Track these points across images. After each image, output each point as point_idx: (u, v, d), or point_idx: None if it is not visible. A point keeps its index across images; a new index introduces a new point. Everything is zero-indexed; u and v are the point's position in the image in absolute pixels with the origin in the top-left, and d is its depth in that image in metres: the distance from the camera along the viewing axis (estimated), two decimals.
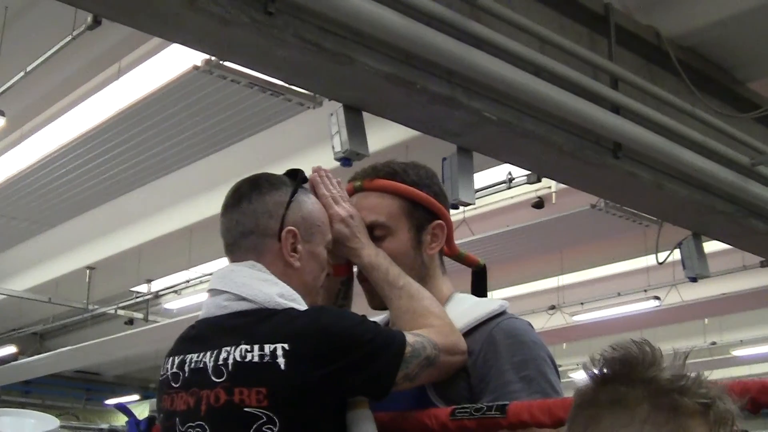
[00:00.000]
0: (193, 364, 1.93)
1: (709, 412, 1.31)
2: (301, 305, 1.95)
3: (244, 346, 1.84)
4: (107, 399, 18.41)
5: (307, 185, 2.13)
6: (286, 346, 1.81)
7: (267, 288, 1.94)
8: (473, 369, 2.02)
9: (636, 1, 5.09)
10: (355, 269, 2.21)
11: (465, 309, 2.14)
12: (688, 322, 13.39)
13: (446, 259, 2.30)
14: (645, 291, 10.79)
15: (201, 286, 11.51)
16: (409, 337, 1.93)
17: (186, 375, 1.94)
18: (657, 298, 10.72)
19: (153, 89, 5.52)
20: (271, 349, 1.82)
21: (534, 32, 4.11)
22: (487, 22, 3.89)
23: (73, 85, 6.22)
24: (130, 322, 13.01)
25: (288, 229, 2.00)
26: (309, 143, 6.86)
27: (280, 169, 6.69)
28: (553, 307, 11.93)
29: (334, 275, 2.18)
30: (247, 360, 1.83)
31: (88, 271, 10.93)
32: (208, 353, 1.90)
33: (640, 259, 9.71)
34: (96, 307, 12.47)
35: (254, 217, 2.01)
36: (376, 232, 2.16)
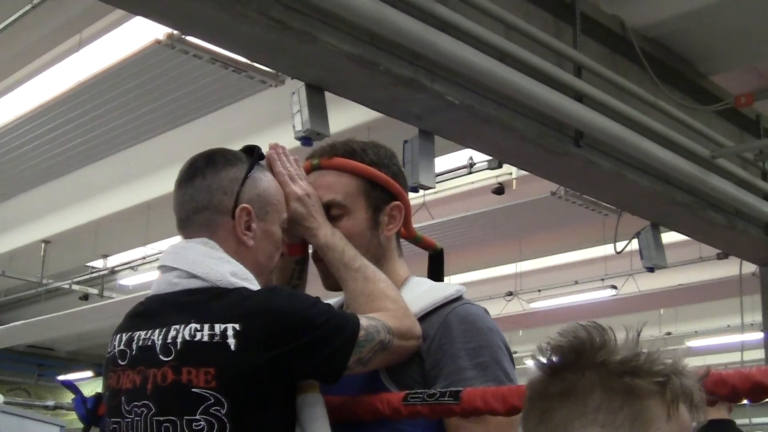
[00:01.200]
0: (141, 342, 1.89)
1: (666, 390, 1.27)
2: (254, 285, 1.91)
3: (193, 325, 1.81)
4: (60, 375, 18.20)
5: (263, 162, 2.09)
6: (237, 326, 1.78)
7: (219, 266, 1.90)
8: (427, 354, 1.99)
9: None
10: (310, 249, 2.17)
11: (421, 293, 2.11)
12: (644, 312, 13.49)
13: (403, 243, 2.27)
14: (602, 280, 10.85)
15: (157, 263, 11.41)
16: (363, 321, 1.90)
17: (133, 352, 1.90)
18: (614, 287, 10.80)
19: (114, 62, 5.45)
20: (222, 329, 1.78)
21: (499, 17, 4.09)
22: (453, 6, 3.87)
23: (32, 55, 6.12)
24: (85, 297, 12.89)
25: (242, 207, 1.96)
26: (270, 121, 6.81)
27: (241, 145, 6.63)
28: (510, 294, 11.96)
29: (289, 254, 2.15)
30: (196, 339, 1.79)
31: (43, 245, 10.81)
32: (157, 331, 1.86)
33: (599, 248, 9.77)
34: (50, 281, 12.35)
35: (208, 193, 1.96)
36: (333, 212, 2.12)
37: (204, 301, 1.86)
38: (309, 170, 2.18)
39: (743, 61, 5.98)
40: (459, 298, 2.08)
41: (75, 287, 12.81)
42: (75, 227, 9.90)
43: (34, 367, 18.41)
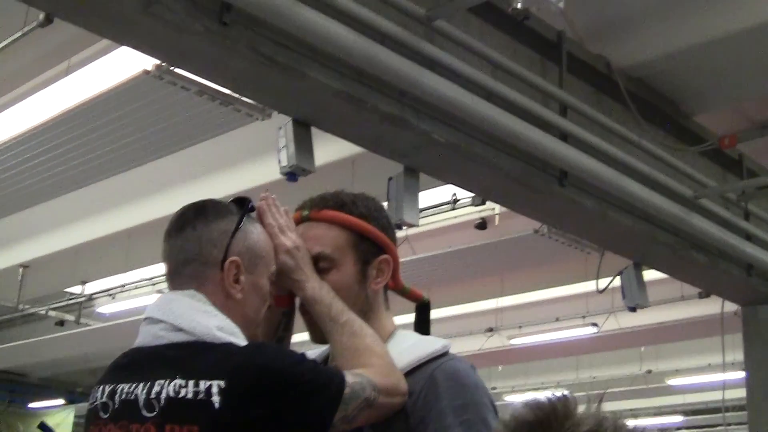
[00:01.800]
0: (124, 395, 1.86)
1: None
2: (241, 339, 1.90)
3: (178, 381, 1.79)
4: (31, 402, 18.06)
5: (254, 214, 2.09)
6: (221, 383, 1.76)
7: (206, 320, 1.89)
8: (413, 410, 1.98)
9: (588, 30, 5.12)
10: (297, 301, 2.16)
11: (407, 347, 2.10)
12: (625, 349, 13.49)
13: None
14: (583, 317, 10.83)
15: (136, 291, 11.35)
16: (349, 377, 1.89)
17: (116, 406, 1.87)
18: (595, 324, 10.77)
19: (101, 91, 5.43)
20: (206, 386, 1.76)
21: (487, 56, 4.12)
22: (440, 44, 3.89)
23: (20, 80, 6.09)
24: (61, 323, 12.79)
25: (231, 260, 1.95)
26: (256, 153, 6.80)
27: (225, 177, 6.62)
28: (491, 329, 11.93)
29: (276, 306, 2.13)
30: (180, 396, 1.77)
31: (21, 269, 10.72)
32: (141, 385, 1.84)
33: (580, 285, 9.76)
34: (27, 306, 12.24)
35: (198, 245, 1.95)
36: (321, 264, 2.12)
37: (189, 356, 1.84)
38: (299, 221, 2.18)
39: (727, 102, 6.02)
40: (445, 354, 2.07)
41: (51, 314, 12.70)
42: (54, 252, 9.81)
43: (4, 393, 18.20)
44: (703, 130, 5.97)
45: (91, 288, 12.12)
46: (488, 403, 2.01)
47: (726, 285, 6.44)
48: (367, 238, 2.14)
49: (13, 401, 18.23)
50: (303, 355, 1.92)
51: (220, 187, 7.38)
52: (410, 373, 2.02)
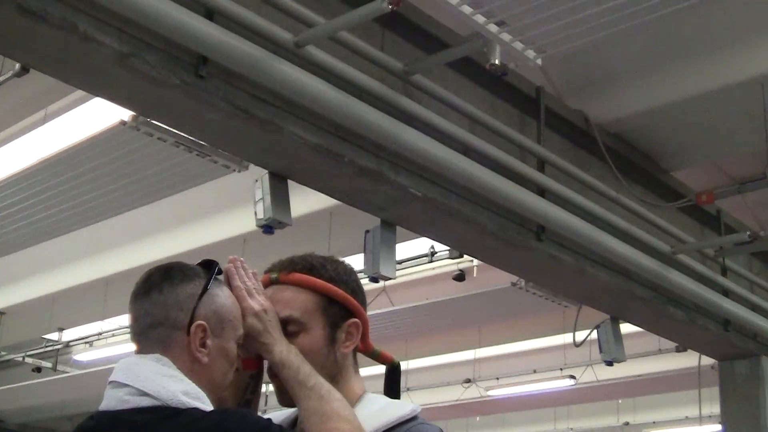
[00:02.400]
0: None
1: None
2: (207, 404, 1.88)
3: None
4: None
5: (221, 276, 2.07)
6: None
7: (171, 384, 1.86)
8: None
9: (567, 86, 5.17)
10: (265, 363, 2.14)
11: (375, 411, 2.07)
12: (602, 402, 13.46)
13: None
14: (561, 369, 10.82)
15: (113, 339, 11.30)
16: None
17: None
18: (572, 377, 10.76)
19: (77, 141, 5.41)
20: None
21: (465, 111, 4.13)
22: (418, 99, 3.90)
23: None
24: (38, 369, 12.70)
25: (198, 324, 1.93)
26: (233, 204, 6.80)
27: (202, 227, 6.57)
28: (468, 381, 11.89)
29: (244, 369, 2.11)
30: None
31: None
32: None
33: (558, 337, 9.76)
34: (3, 353, 12.16)
35: (164, 309, 1.93)
36: (290, 328, 2.09)
37: (154, 421, 1.81)
38: (267, 284, 2.16)
39: (705, 158, 6.07)
40: (414, 418, 2.04)
41: (28, 360, 12.61)
42: (31, 299, 9.77)
43: None
44: (681, 185, 6.00)
45: (68, 335, 12.06)
46: None
47: (703, 340, 6.44)
48: (336, 301, 2.12)
49: None
50: (269, 421, 1.89)
51: (198, 236, 7.37)
52: None
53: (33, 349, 12.55)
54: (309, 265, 2.14)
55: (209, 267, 2.03)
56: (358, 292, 2.17)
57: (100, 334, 11.43)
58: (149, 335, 1.94)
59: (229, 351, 1.99)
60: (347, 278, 2.16)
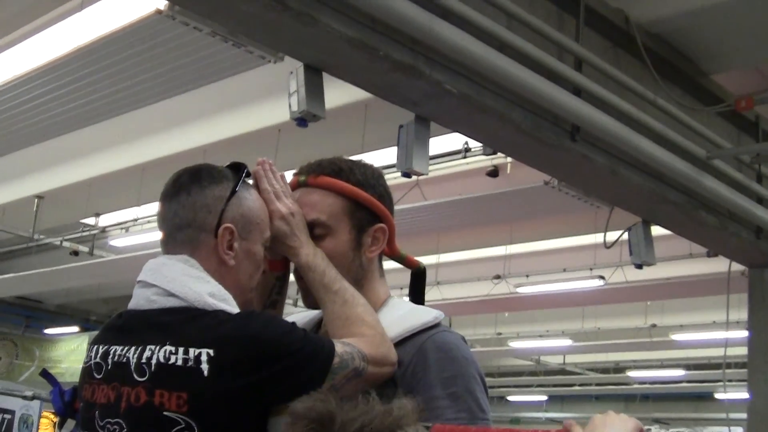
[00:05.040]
0: (116, 357, 1.89)
1: None
2: (232, 306, 1.91)
3: (168, 347, 1.81)
4: (47, 328, 18.27)
5: (250, 179, 2.08)
6: (210, 351, 1.78)
7: (198, 286, 1.89)
8: (402, 380, 1.98)
9: None
10: (292, 265, 2.16)
11: (399, 316, 2.10)
12: (630, 303, 13.51)
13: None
14: (590, 269, 10.83)
15: (149, 225, 11.42)
16: (338, 347, 1.90)
17: (109, 367, 1.90)
18: (602, 277, 10.78)
19: (113, 29, 5.39)
20: (196, 354, 1.79)
21: (502, 7, 4.08)
22: None
23: (33, 14, 6.08)
24: (75, 253, 12.89)
25: (225, 226, 1.95)
26: (266, 95, 6.79)
27: (237, 117, 6.58)
28: (498, 277, 11.96)
29: (270, 270, 2.14)
30: (170, 362, 1.80)
31: (36, 200, 10.79)
32: (132, 348, 1.86)
33: (588, 237, 9.75)
34: (41, 237, 12.34)
35: (192, 211, 1.95)
36: (317, 231, 2.11)
37: (180, 322, 1.85)
38: (295, 186, 2.17)
39: (746, 62, 5.98)
40: (437, 325, 2.07)
41: (66, 244, 12.81)
42: (68, 184, 9.87)
43: (21, 318, 18.42)
44: (720, 89, 5.92)
45: (104, 220, 12.20)
46: (476, 375, 2.01)
47: (734, 246, 6.43)
48: (363, 205, 2.13)
49: (30, 326, 18.44)
50: (293, 325, 1.93)
51: (234, 126, 7.39)
52: (401, 343, 2.03)
53: (70, 233, 12.72)
54: (337, 168, 2.14)
55: (238, 170, 2.04)
56: (385, 196, 2.18)
57: (136, 219, 11.55)
58: (177, 237, 1.97)
59: (255, 253, 2.02)
60: (375, 182, 2.17)
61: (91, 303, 18.02)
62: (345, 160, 2.19)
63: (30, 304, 18.29)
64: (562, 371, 21.28)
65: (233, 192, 1.99)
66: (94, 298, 17.10)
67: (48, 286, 14.78)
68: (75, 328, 18.07)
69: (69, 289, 15.94)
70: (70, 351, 17.21)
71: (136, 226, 11.85)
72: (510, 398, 24.92)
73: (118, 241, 12.37)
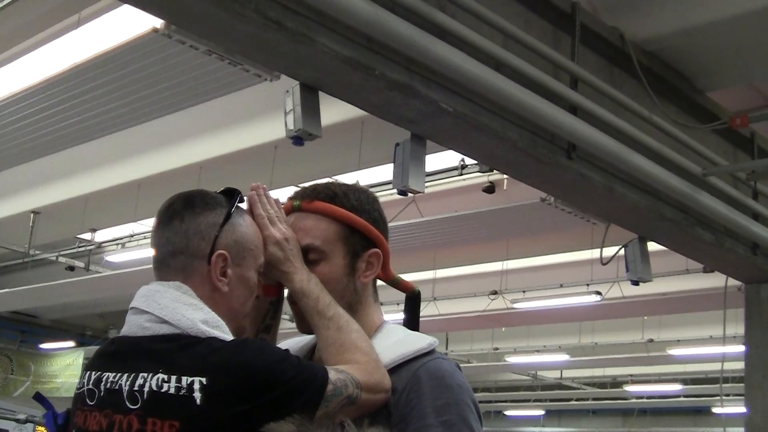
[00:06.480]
0: (109, 384, 1.89)
1: None
2: (226, 333, 1.91)
3: (161, 375, 1.81)
4: (42, 343, 18.25)
5: (243, 204, 2.09)
6: (203, 380, 1.78)
7: (191, 313, 1.89)
8: (395, 408, 1.98)
9: (603, 2, 5.09)
10: (286, 291, 2.16)
11: (393, 343, 2.10)
12: (627, 318, 13.52)
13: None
14: (587, 285, 10.84)
15: (144, 240, 11.44)
16: (332, 374, 1.90)
17: (101, 394, 1.90)
18: (599, 293, 10.77)
19: (110, 47, 5.41)
20: (188, 382, 1.78)
21: (498, 26, 4.08)
22: (451, 13, 3.86)
23: (30, 31, 6.09)
24: (71, 268, 12.90)
25: (218, 253, 1.95)
26: (265, 111, 6.81)
27: (234, 133, 6.57)
28: (495, 292, 11.96)
29: (265, 295, 2.14)
30: (163, 390, 1.79)
31: (32, 215, 10.79)
32: (125, 376, 1.86)
33: (585, 252, 9.76)
34: (37, 252, 12.33)
35: (185, 238, 1.96)
36: (311, 256, 2.11)
37: (173, 350, 1.85)
38: (289, 211, 2.17)
39: (741, 79, 5.99)
40: (431, 352, 2.07)
41: (62, 259, 12.81)
42: (64, 200, 9.88)
43: (17, 333, 18.41)
44: (715, 107, 5.93)
45: (100, 236, 12.21)
46: (470, 403, 2.01)
47: (730, 262, 6.43)
48: (358, 231, 2.14)
49: (25, 341, 18.42)
50: (286, 352, 1.92)
51: (230, 143, 7.40)
52: (395, 369, 2.02)
53: (66, 248, 12.74)
54: (332, 193, 2.15)
55: (231, 195, 2.04)
56: (380, 221, 2.19)
57: (132, 235, 11.60)
58: (170, 263, 1.97)
59: (249, 280, 2.01)
60: (369, 207, 2.17)
61: (86, 318, 18.02)
62: (340, 184, 2.19)
63: (25, 319, 18.28)
64: (559, 386, 21.30)
65: (227, 218, 1.99)
66: (90, 314, 17.09)
67: (43, 301, 14.77)
68: (70, 343, 18.03)
69: (64, 305, 15.92)
70: (65, 366, 17.20)
71: (132, 242, 11.86)
72: (507, 413, 24.90)
73: (114, 257, 12.39)
